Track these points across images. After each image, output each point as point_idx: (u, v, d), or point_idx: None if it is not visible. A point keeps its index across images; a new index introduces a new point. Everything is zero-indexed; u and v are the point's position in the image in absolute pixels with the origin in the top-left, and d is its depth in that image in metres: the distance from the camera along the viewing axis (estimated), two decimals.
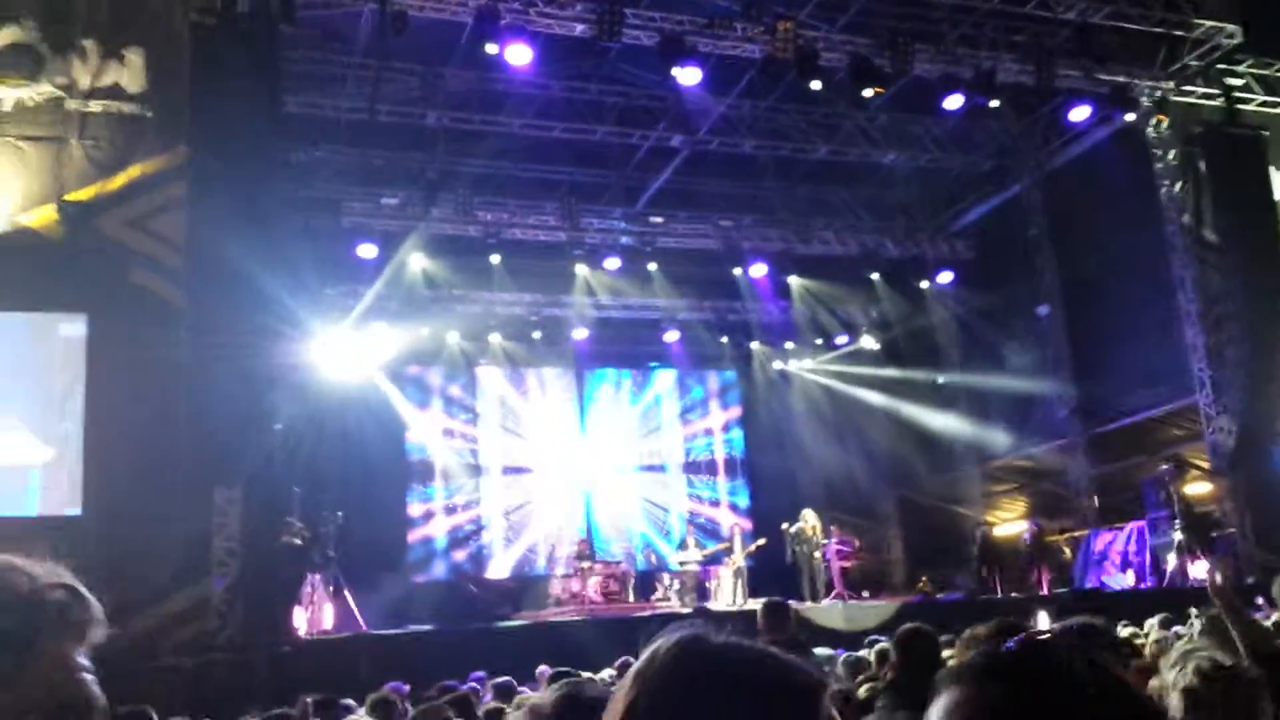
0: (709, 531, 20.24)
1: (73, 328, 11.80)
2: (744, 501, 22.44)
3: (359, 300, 17.53)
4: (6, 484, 11.40)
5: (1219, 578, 3.87)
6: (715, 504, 22.39)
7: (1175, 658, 3.13)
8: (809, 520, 17.21)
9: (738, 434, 23.04)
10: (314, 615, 13.57)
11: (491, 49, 12.60)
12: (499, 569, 20.45)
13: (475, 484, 20.88)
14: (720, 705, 1.06)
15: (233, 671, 9.98)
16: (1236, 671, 3.00)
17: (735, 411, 23.18)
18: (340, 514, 14.84)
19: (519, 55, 12.82)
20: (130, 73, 11.83)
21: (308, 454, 14.09)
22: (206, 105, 11.42)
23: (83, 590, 1.19)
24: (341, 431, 17.45)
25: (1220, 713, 2.87)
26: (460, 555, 20.36)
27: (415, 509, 20.33)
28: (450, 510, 20.54)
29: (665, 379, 22.81)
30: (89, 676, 1.15)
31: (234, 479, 11.21)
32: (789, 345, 22.76)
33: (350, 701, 7.01)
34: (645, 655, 1.13)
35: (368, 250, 17.19)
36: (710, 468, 22.81)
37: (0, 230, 11.35)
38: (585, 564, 17.14)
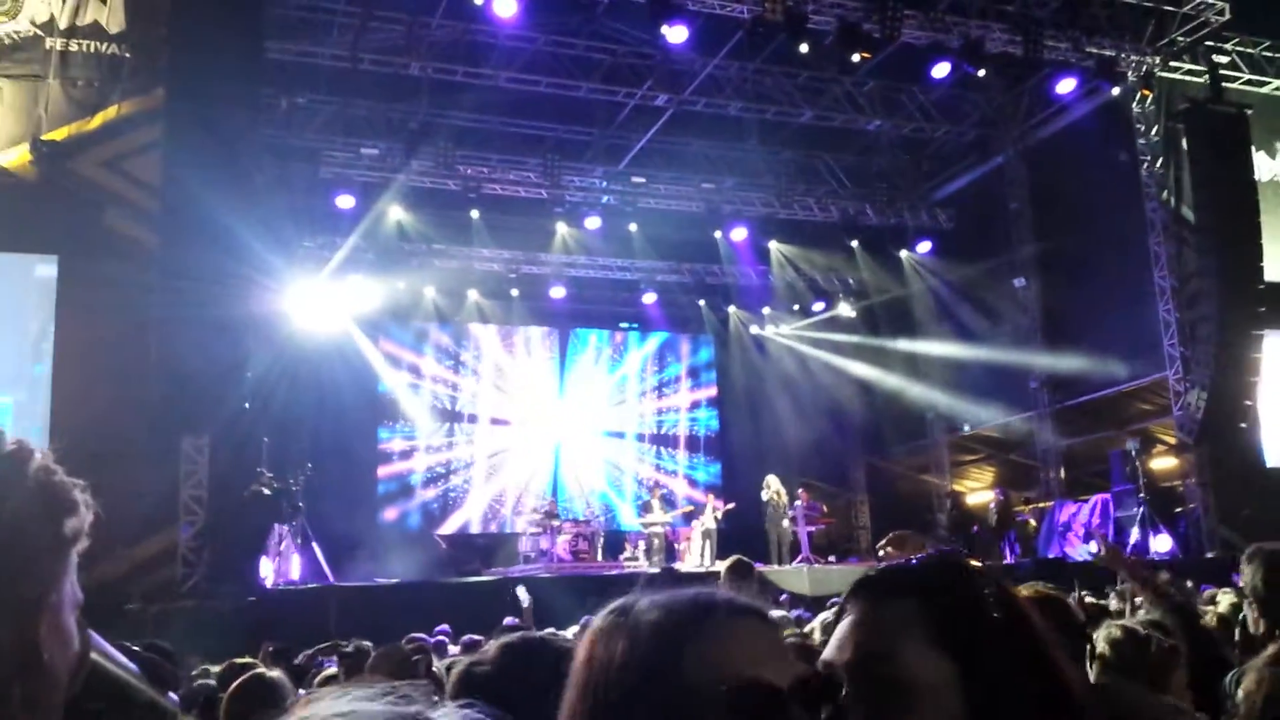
0: (673, 501, 20.29)
1: (48, 269, 11.66)
2: (714, 469, 22.49)
3: (335, 251, 17.38)
4: None
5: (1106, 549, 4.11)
6: (684, 474, 22.41)
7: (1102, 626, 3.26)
8: (773, 486, 17.33)
9: (712, 398, 23.07)
10: (281, 565, 13.56)
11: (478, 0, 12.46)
12: (466, 514, 20.41)
13: (449, 428, 20.82)
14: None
15: (198, 619, 9.97)
16: (1146, 638, 3.13)
17: (709, 376, 23.20)
18: (310, 465, 14.80)
19: (505, 7, 12.67)
20: (111, 11, 11.61)
21: (280, 404, 14.02)
22: (185, 47, 11.21)
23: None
24: (315, 382, 17.37)
25: (1131, 676, 2.99)
26: (430, 494, 20.30)
27: (387, 450, 20.23)
28: (424, 450, 20.48)
29: (639, 341, 22.77)
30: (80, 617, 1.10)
31: (203, 427, 11.15)
32: (766, 310, 22.78)
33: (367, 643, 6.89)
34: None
35: (346, 201, 17.02)
36: (683, 436, 22.81)
37: None
38: (555, 522, 17.18)
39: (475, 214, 18.34)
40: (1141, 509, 15.46)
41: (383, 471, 20.03)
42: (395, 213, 17.83)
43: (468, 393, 21.12)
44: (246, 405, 11.60)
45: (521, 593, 10.92)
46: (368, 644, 5.86)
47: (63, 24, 11.50)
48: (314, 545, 14.16)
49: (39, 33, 11.46)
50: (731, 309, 22.84)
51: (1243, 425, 15.20)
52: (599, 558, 17.30)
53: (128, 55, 11.56)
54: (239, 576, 11.31)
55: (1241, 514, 14.11)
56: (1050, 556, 16.52)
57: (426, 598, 12.78)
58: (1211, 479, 15.25)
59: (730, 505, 17.56)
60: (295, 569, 13.90)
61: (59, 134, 11.50)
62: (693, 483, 22.16)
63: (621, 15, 13.96)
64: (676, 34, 13.54)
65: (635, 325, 22.59)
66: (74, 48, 11.52)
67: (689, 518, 18.26)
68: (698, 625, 1.07)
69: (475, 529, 20.34)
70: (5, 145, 11.37)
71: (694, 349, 23.29)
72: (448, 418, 20.84)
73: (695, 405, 23.01)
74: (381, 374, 20.08)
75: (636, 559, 17.20)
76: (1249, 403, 15.25)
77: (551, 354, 21.96)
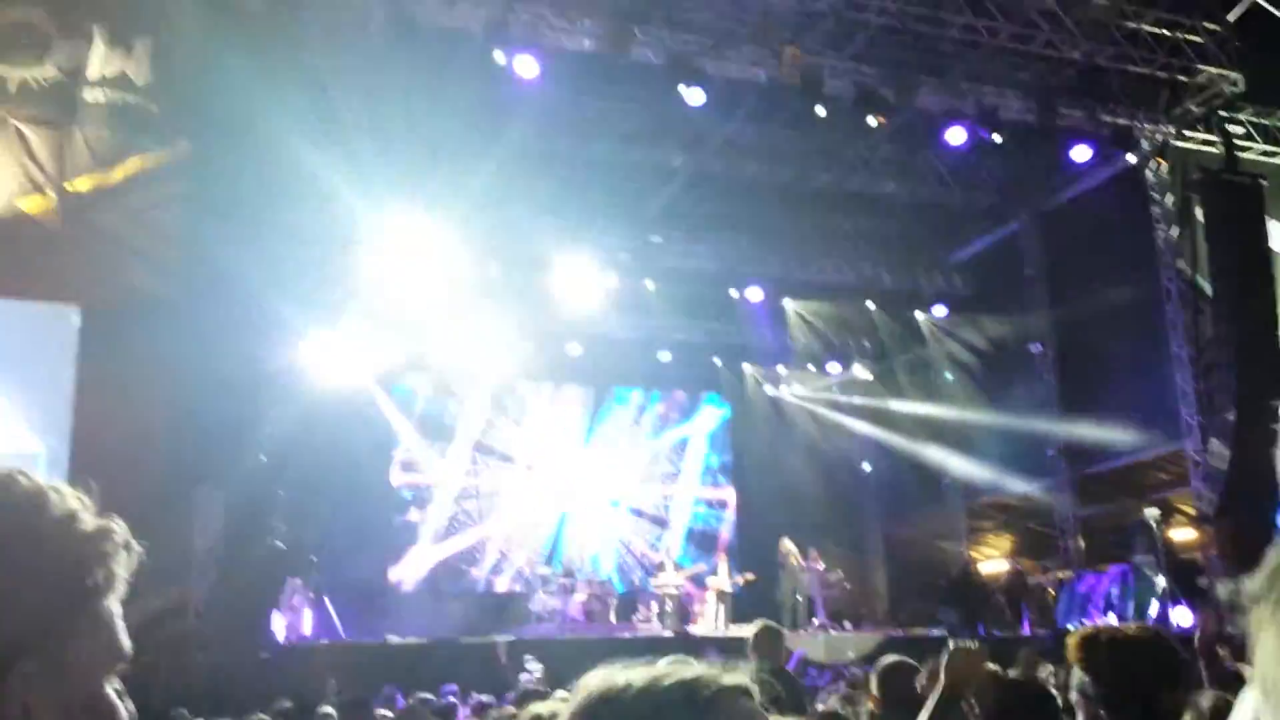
0: (688, 562, 20.04)
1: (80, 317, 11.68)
2: (729, 529, 22.25)
3: (353, 304, 17.41)
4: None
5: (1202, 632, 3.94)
6: (698, 534, 22.13)
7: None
8: (788, 548, 17.19)
9: (726, 458, 22.88)
10: (293, 620, 13.46)
11: (499, 59, 12.63)
12: (479, 570, 20.12)
13: (462, 485, 20.60)
14: None
15: (209, 674, 9.88)
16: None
17: (724, 436, 23.02)
18: (325, 519, 14.75)
19: (527, 67, 12.85)
20: (138, 64, 11.78)
21: (297, 458, 14.01)
22: (211, 101, 11.37)
23: (125, 531, 1.10)
24: (332, 436, 17.33)
25: None
26: (443, 549, 20.01)
27: (402, 504, 20.07)
28: (438, 504, 20.26)
29: (655, 399, 22.66)
30: (120, 622, 1.07)
31: (218, 480, 11.14)
32: (782, 370, 22.74)
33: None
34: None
35: (365, 253, 17.09)
36: (698, 495, 22.49)
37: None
38: (568, 580, 17.03)
39: (492, 269, 18.41)
40: (1162, 580, 15.25)
41: (397, 524, 19.88)
42: (414, 268, 17.88)
43: (482, 448, 20.98)
44: (263, 458, 11.59)
45: (532, 665, 10.83)
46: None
47: (90, 74, 11.65)
48: (325, 600, 14.07)
49: (66, 80, 11.60)
50: (747, 368, 22.80)
51: (1263, 497, 15.03)
52: (612, 619, 17.11)
53: (153, 108, 11.71)
54: (251, 631, 11.23)
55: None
56: (1071, 627, 16.29)
57: (437, 656, 12.66)
58: (1232, 553, 15.04)
59: (751, 576, 17.37)
60: (307, 624, 13.79)
61: (82, 184, 11.61)
62: (707, 544, 21.90)
63: (640, 76, 14.10)
64: (694, 96, 13.69)
65: (649, 385, 22.47)
66: (100, 98, 11.66)
67: (703, 579, 18.08)
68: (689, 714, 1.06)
69: (487, 585, 20.10)
70: (29, 191, 11.47)
71: (709, 408, 23.15)
72: (462, 471, 20.70)
73: (709, 465, 22.82)
74: (398, 428, 20.03)
75: (650, 621, 17.01)
76: (1268, 473, 15.08)
77: (584, 409, 21.83)
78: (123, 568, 1.06)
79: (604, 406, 22.05)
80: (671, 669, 1.09)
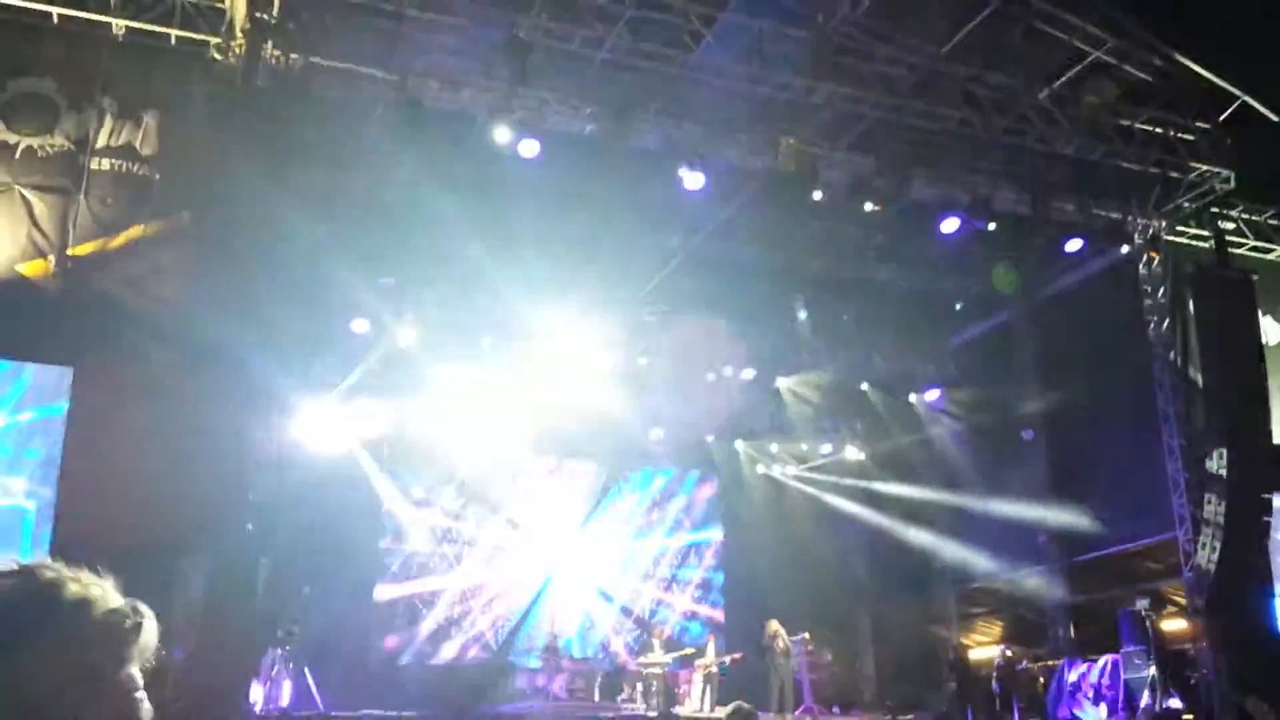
0: (675, 639, 19.85)
1: None
2: (716, 610, 22.02)
3: (347, 374, 17.51)
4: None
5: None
6: (684, 614, 21.93)
7: None
8: (776, 630, 17.04)
9: (716, 536, 22.75)
10: (271, 691, 13.32)
11: (502, 140, 12.85)
12: (462, 644, 19.90)
13: (450, 555, 20.48)
14: None
15: None
16: None
17: (714, 514, 22.92)
18: (306, 589, 14.65)
19: (528, 148, 13.07)
20: (145, 135, 11.97)
21: (283, 527, 13.97)
22: (214, 175, 11.54)
23: (147, 613, 1.23)
24: (319, 505, 17.29)
25: None
26: (428, 623, 19.87)
27: (387, 574, 19.93)
28: (424, 577, 20.13)
29: (647, 477, 22.60)
30: (142, 696, 1.18)
31: (202, 549, 11.09)
32: (774, 449, 22.74)
33: None
34: None
35: (360, 325, 17.25)
36: (685, 575, 22.33)
37: None
38: (555, 659, 16.86)
39: (486, 342, 18.52)
40: (1152, 671, 15.11)
41: (382, 595, 19.71)
42: (406, 338, 17.99)
43: (471, 520, 20.87)
44: (249, 527, 11.55)
45: None
46: None
47: (97, 144, 11.84)
48: (305, 671, 13.93)
49: (73, 149, 11.79)
50: (739, 445, 22.80)
51: (1254, 589, 14.96)
52: (596, 697, 16.91)
53: (156, 177, 11.87)
54: (229, 702, 11.09)
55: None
56: (1060, 717, 16.10)
57: None
58: (1223, 645, 14.92)
59: (738, 655, 17.21)
60: (286, 695, 13.64)
61: (84, 249, 11.73)
62: (692, 624, 21.67)
63: (639, 160, 14.30)
64: (694, 180, 13.90)
65: (639, 462, 22.40)
66: (105, 166, 11.84)
67: (690, 660, 17.90)
68: None
69: (470, 658, 19.84)
70: (30, 255, 11.59)
71: (699, 486, 23.07)
72: (449, 543, 20.58)
73: (698, 544, 22.67)
74: (385, 498, 19.95)
75: (635, 700, 16.81)
76: (1259, 566, 15.04)
77: (589, 489, 21.80)
78: (135, 644, 1.21)
79: (611, 491, 21.97)
80: None
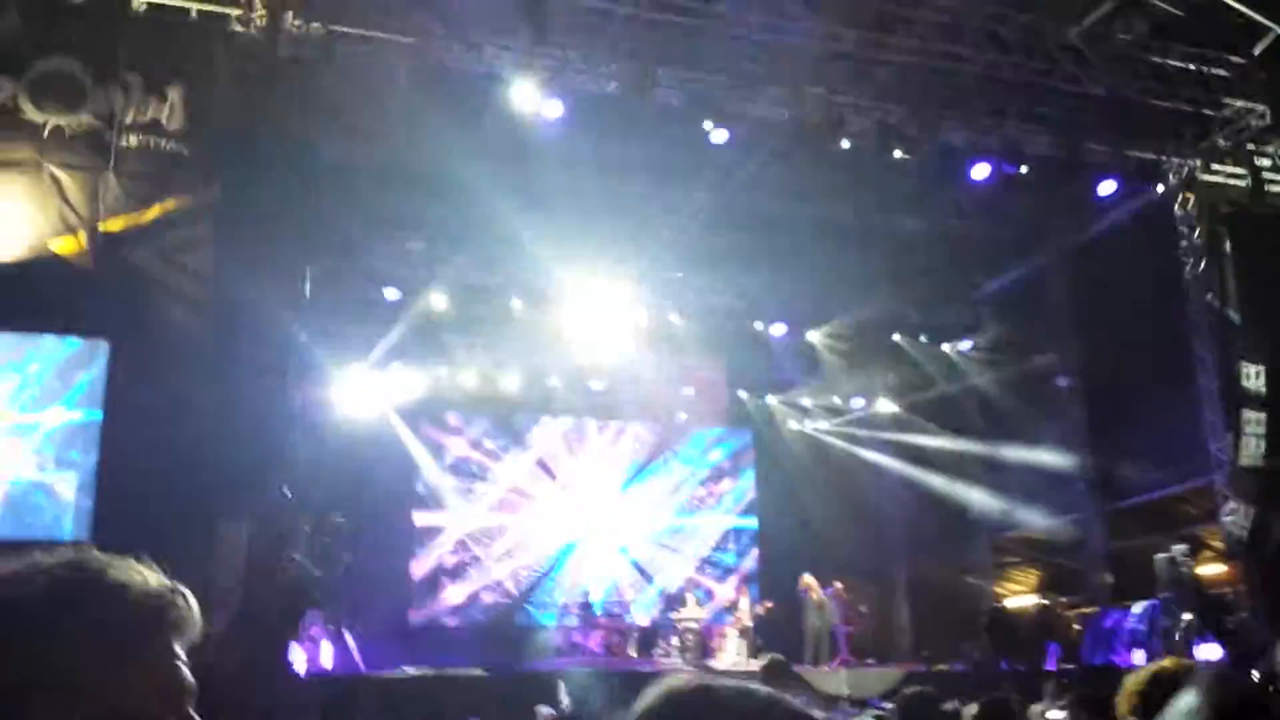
0: (708, 596, 19.95)
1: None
2: (750, 564, 22.12)
3: (380, 340, 17.66)
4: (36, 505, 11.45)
5: None
6: (720, 569, 22.01)
7: None
8: (810, 583, 17.12)
9: (750, 492, 22.81)
10: (312, 653, 13.55)
11: (525, 102, 12.82)
12: (499, 602, 20.16)
13: (487, 516, 20.69)
14: None
15: (227, 709, 9.96)
16: None
17: (748, 470, 22.96)
18: (347, 554, 14.86)
19: (551, 109, 13.05)
20: (171, 110, 12.02)
21: (321, 493, 14.16)
22: (242, 146, 11.60)
23: (187, 593, 1.29)
24: (355, 471, 17.49)
25: None
26: (464, 583, 20.12)
27: (424, 537, 20.15)
28: (460, 539, 20.35)
29: (679, 434, 22.62)
30: (183, 667, 1.24)
31: (240, 514, 11.27)
32: (806, 404, 22.71)
33: None
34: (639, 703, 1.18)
35: (391, 293, 17.37)
36: (720, 529, 22.38)
37: (31, 255, 11.50)
38: (589, 616, 17.04)
39: (517, 303, 18.59)
40: (1190, 617, 15.07)
41: (418, 558, 19.98)
42: (439, 302, 18.10)
43: (507, 480, 21.03)
44: (288, 494, 11.70)
45: (561, 693, 10.83)
46: None
47: (124, 120, 11.90)
48: (345, 633, 14.16)
49: (100, 126, 11.86)
50: (771, 401, 22.78)
51: None
52: (632, 653, 17.11)
53: (184, 152, 11.94)
54: (271, 665, 11.31)
55: None
56: (1097, 663, 16.10)
57: (458, 689, 12.71)
58: (1260, 588, 14.84)
59: (770, 605, 17.34)
60: (326, 657, 13.88)
61: (114, 224, 11.84)
62: (728, 577, 21.79)
63: (663, 115, 14.22)
64: (719, 135, 13.84)
65: (669, 420, 22.41)
66: (133, 143, 11.91)
67: (724, 613, 18.05)
68: None
69: (506, 618, 20.09)
70: (61, 233, 11.71)
71: (733, 442, 23.09)
72: (486, 504, 20.77)
73: (733, 498, 22.76)
74: (421, 463, 20.15)
75: (670, 655, 16.99)
76: None
77: (636, 452, 21.89)
78: (174, 621, 1.25)
79: (655, 462, 22.03)
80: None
